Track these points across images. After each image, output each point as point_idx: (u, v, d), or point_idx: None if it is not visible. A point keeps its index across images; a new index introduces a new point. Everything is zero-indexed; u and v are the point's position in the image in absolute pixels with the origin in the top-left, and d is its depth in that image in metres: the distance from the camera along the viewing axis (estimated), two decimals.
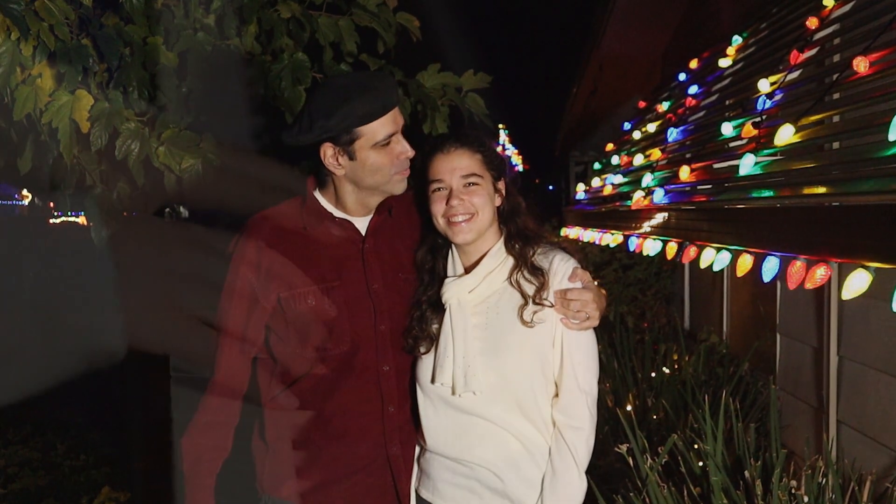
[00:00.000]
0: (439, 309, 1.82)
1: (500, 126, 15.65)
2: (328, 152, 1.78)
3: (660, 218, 4.19)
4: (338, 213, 1.89)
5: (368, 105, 1.74)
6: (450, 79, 2.74)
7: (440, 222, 1.80)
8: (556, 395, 1.79)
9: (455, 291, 1.79)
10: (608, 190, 6.17)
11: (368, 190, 1.85)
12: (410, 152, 1.82)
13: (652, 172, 4.86)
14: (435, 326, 1.83)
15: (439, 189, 1.79)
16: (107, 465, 4.77)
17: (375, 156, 1.78)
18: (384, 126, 1.77)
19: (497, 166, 1.84)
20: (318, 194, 1.90)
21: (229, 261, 1.85)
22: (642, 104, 7.20)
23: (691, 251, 3.49)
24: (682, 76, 5.87)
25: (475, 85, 2.75)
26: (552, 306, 1.76)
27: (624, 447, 2.67)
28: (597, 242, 6.04)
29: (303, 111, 1.81)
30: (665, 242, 3.97)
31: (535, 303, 1.76)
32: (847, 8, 3.33)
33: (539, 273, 1.78)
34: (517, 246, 1.82)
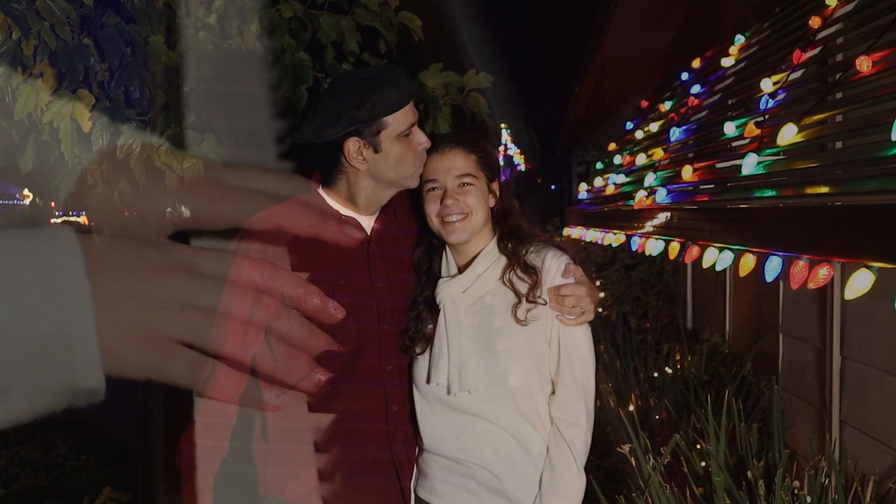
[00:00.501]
0: (434, 309, 1.82)
1: (503, 126, 15.65)
2: (352, 147, 1.78)
3: (662, 218, 4.19)
4: (344, 211, 1.88)
5: (396, 93, 1.76)
6: (452, 78, 2.73)
7: (434, 222, 1.80)
8: (553, 392, 1.79)
9: (449, 291, 1.79)
10: (610, 189, 6.17)
11: (387, 184, 1.85)
12: (428, 143, 1.83)
13: (654, 172, 4.86)
14: (430, 327, 1.83)
15: (434, 189, 1.80)
16: (108, 466, 4.77)
17: (399, 147, 1.79)
18: (406, 116, 1.79)
19: (491, 167, 1.84)
20: (323, 192, 1.89)
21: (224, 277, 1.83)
22: (645, 104, 7.20)
23: (694, 251, 3.48)
24: (684, 75, 5.87)
25: (477, 84, 2.75)
26: (546, 304, 1.76)
27: (626, 447, 2.67)
28: (599, 242, 6.04)
29: (324, 106, 1.80)
30: (667, 242, 3.96)
31: (528, 301, 1.75)
32: (850, 7, 3.33)
33: (532, 271, 1.78)
34: (510, 245, 1.82)
